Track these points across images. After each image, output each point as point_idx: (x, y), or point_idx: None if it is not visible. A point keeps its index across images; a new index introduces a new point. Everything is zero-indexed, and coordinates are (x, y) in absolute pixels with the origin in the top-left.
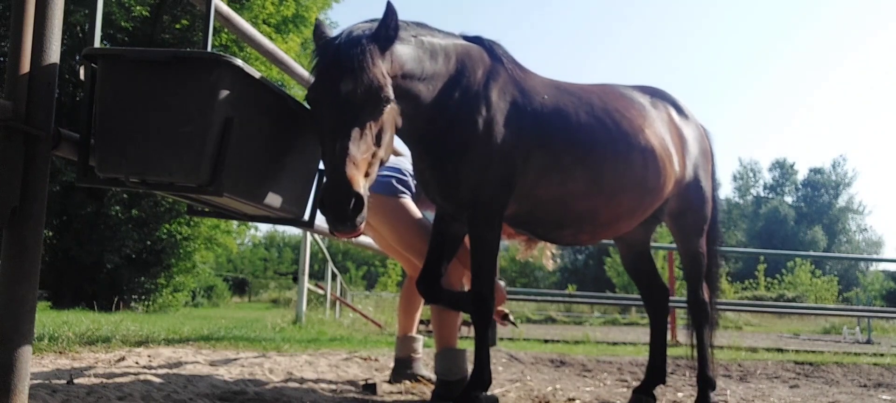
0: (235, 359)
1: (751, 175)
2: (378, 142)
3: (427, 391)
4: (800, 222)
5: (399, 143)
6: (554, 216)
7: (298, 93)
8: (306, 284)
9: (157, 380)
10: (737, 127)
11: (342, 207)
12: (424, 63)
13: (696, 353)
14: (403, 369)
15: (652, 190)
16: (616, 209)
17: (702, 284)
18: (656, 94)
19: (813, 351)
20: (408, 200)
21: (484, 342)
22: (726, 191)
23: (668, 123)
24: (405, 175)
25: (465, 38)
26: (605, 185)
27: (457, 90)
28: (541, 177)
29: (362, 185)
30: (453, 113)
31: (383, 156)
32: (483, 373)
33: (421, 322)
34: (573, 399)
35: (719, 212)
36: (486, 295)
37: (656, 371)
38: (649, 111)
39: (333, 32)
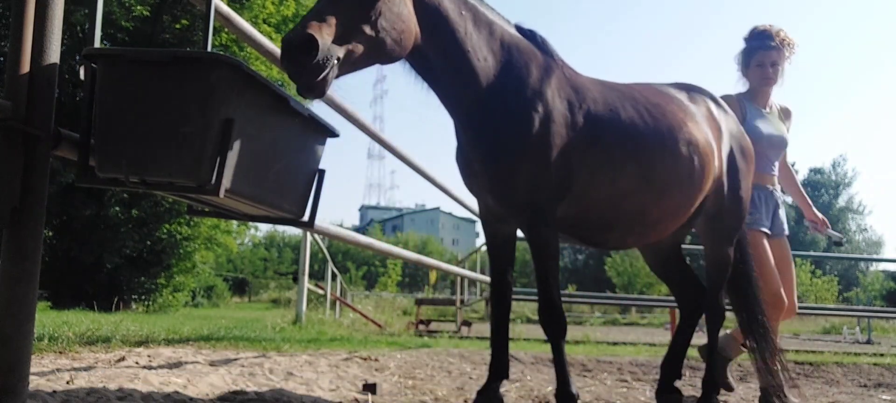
0: (235, 359)
1: None
2: (366, 19)
3: (428, 392)
4: (800, 222)
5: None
6: (603, 217)
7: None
8: (306, 284)
9: (157, 380)
10: None
11: (292, 46)
12: (467, 21)
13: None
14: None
15: (698, 185)
16: (665, 206)
17: (722, 290)
18: (693, 90)
19: (813, 351)
20: (757, 233)
21: (560, 353)
22: None
23: (708, 118)
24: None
25: (520, 30)
26: (656, 181)
27: (510, 79)
28: (594, 176)
29: (324, 37)
30: (508, 104)
31: (373, 34)
32: (566, 386)
33: (421, 322)
34: None
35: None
36: (558, 301)
37: (674, 367)
38: (688, 106)
39: None
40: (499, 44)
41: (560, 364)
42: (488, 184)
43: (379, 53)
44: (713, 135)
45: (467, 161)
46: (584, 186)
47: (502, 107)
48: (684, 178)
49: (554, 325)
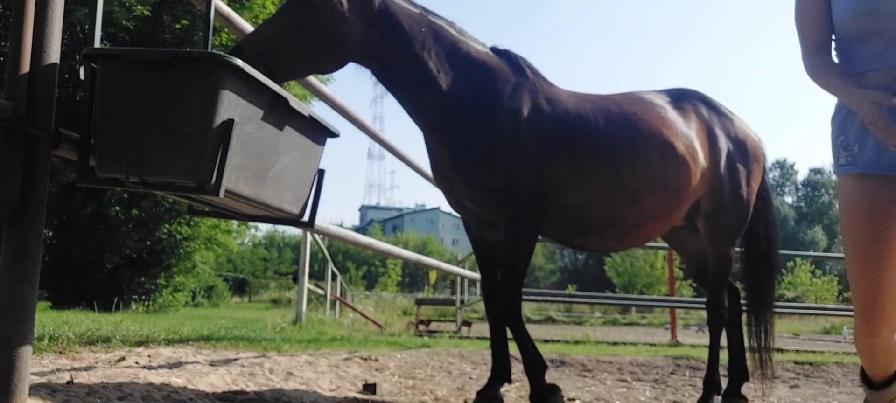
0: (235, 359)
1: None
2: (297, 33)
3: (428, 392)
4: (800, 222)
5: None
6: (577, 222)
7: (298, 92)
8: (306, 284)
9: (157, 380)
10: None
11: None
12: (426, 36)
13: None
14: None
15: (674, 189)
16: (639, 212)
17: (724, 290)
18: (684, 95)
19: (813, 351)
20: (848, 180)
21: (517, 335)
22: None
23: (695, 122)
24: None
25: (495, 50)
26: (627, 187)
27: (475, 93)
28: (564, 184)
29: (253, 45)
30: (470, 116)
31: (306, 45)
32: (537, 368)
33: (421, 322)
34: (573, 399)
35: (775, 217)
36: (515, 291)
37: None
38: (669, 111)
39: None
40: (463, 60)
41: (521, 342)
42: (464, 189)
43: (316, 62)
44: (698, 139)
45: (441, 170)
46: (555, 193)
47: (464, 119)
48: (657, 183)
49: (509, 311)
